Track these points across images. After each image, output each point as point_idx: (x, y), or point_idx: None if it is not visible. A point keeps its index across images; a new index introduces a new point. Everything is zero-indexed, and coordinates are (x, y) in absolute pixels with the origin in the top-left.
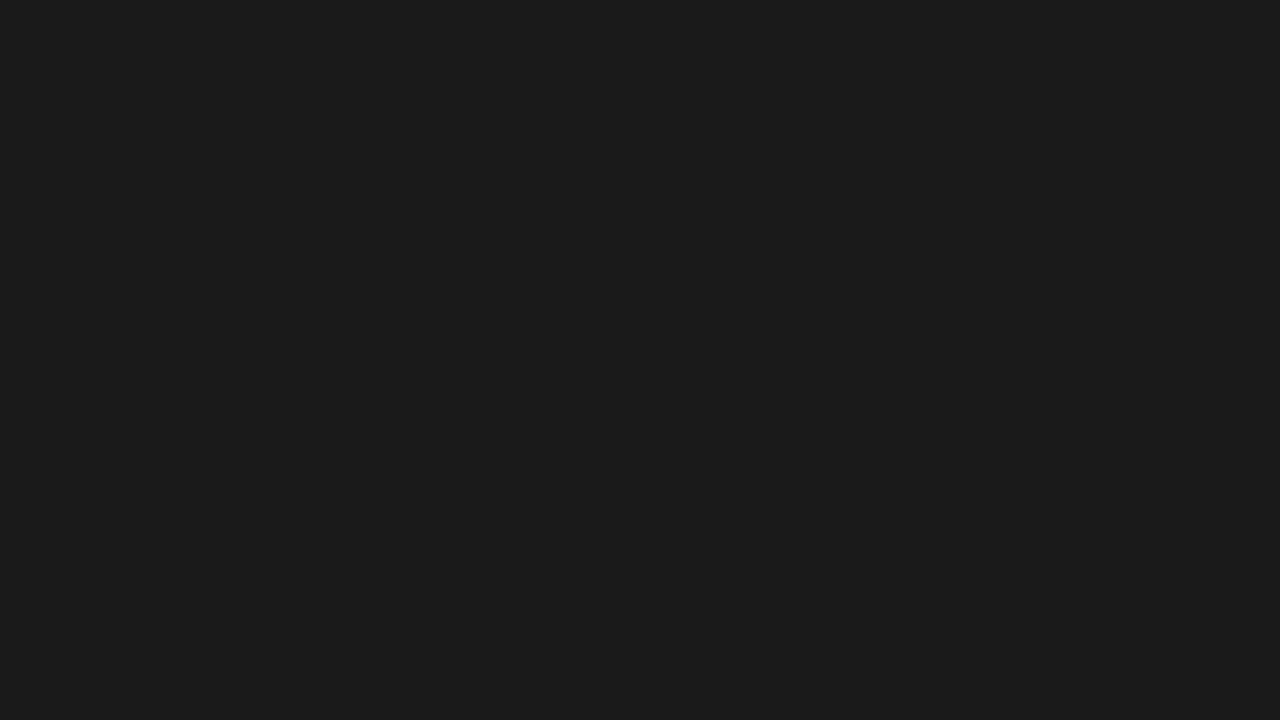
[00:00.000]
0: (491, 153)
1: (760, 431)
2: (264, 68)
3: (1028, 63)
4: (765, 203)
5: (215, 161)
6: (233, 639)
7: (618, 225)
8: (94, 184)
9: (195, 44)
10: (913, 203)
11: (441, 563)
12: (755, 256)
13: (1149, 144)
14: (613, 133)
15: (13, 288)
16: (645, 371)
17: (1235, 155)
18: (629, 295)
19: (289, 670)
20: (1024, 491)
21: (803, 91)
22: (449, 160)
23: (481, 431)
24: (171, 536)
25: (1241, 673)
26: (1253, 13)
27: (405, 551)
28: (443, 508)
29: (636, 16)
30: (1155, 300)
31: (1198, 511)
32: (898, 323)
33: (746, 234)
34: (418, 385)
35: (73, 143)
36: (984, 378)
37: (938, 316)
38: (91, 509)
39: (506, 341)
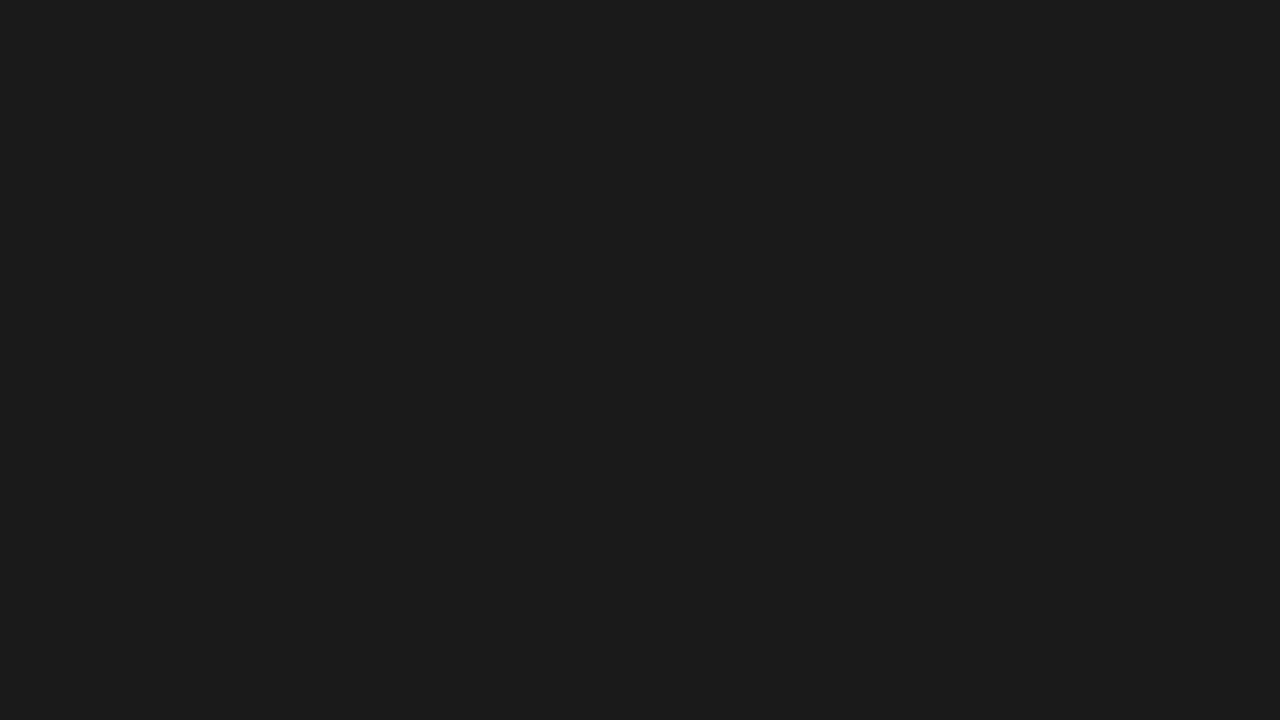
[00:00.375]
0: (492, 153)
1: (760, 431)
2: (264, 68)
3: (1028, 63)
4: (765, 203)
5: (215, 161)
6: (233, 639)
7: (618, 225)
8: (94, 184)
9: (195, 44)
10: (913, 203)
11: (441, 563)
12: (755, 256)
13: (1149, 144)
14: (613, 133)
15: (13, 288)
16: (645, 371)
17: (1235, 155)
18: (629, 295)
19: (289, 670)
20: (1024, 491)
21: (803, 92)
22: (449, 160)
23: (482, 432)
24: (172, 536)
25: (1241, 673)
26: (1253, 13)
27: (405, 552)
28: (443, 508)
29: (636, 16)
30: (1155, 300)
31: (1198, 511)
32: (898, 323)
33: (747, 234)
34: (418, 385)
35: (73, 143)
36: (984, 378)
37: (938, 316)
38: (92, 509)
39: (507, 342)
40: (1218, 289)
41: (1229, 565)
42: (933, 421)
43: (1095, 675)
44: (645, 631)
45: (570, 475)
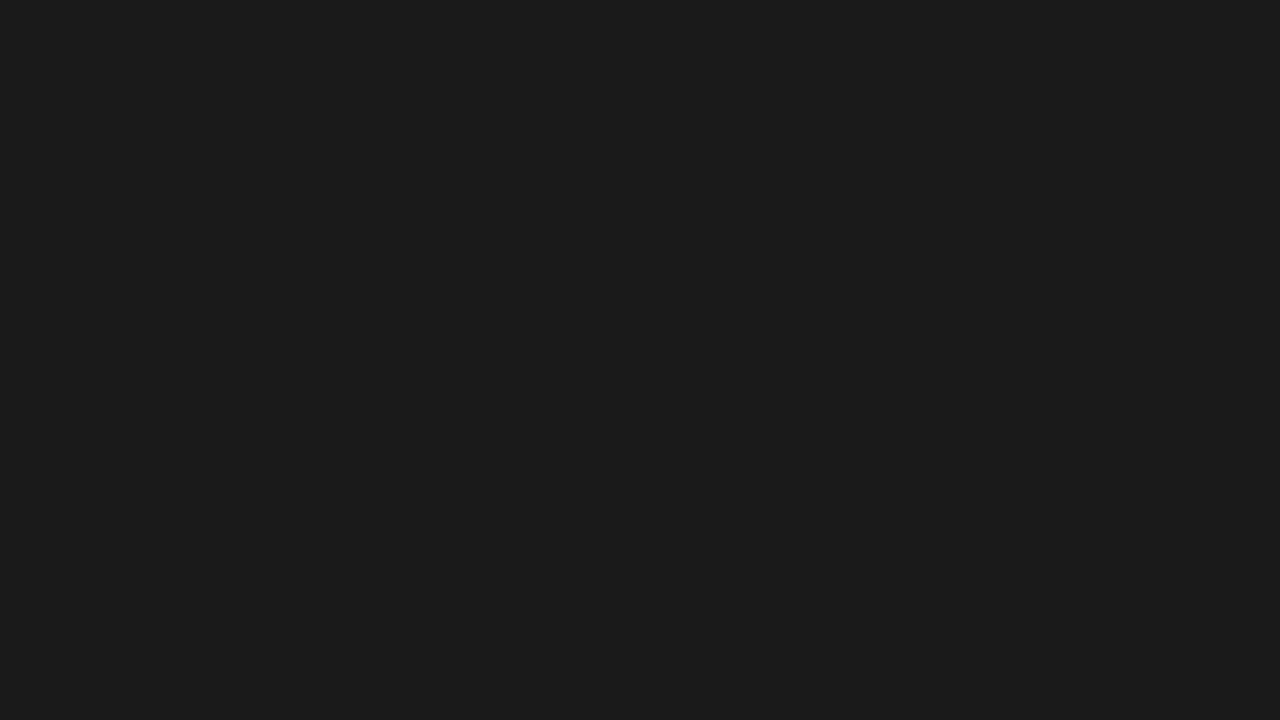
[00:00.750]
0: (492, 153)
1: (760, 432)
2: (264, 68)
3: (1028, 63)
4: (765, 203)
5: (215, 161)
6: (233, 639)
7: (618, 225)
8: (94, 184)
9: (195, 44)
10: (913, 203)
11: (441, 563)
12: (755, 256)
13: (1149, 144)
14: (613, 133)
15: (13, 288)
16: (645, 371)
17: (1235, 155)
18: (629, 295)
19: (289, 670)
20: (1024, 491)
21: (803, 91)
22: (449, 160)
23: (482, 432)
24: (172, 536)
25: (1241, 673)
26: (1253, 13)
27: (405, 552)
28: (443, 508)
29: (636, 16)
30: (1155, 300)
31: (1198, 511)
32: (898, 323)
33: (747, 234)
34: (418, 385)
35: (73, 143)
36: (984, 378)
37: (938, 316)
38: (92, 509)
39: (507, 341)
40: (1218, 289)
41: (1229, 565)
42: (933, 422)
43: (1095, 675)
44: (645, 631)
45: (570, 475)
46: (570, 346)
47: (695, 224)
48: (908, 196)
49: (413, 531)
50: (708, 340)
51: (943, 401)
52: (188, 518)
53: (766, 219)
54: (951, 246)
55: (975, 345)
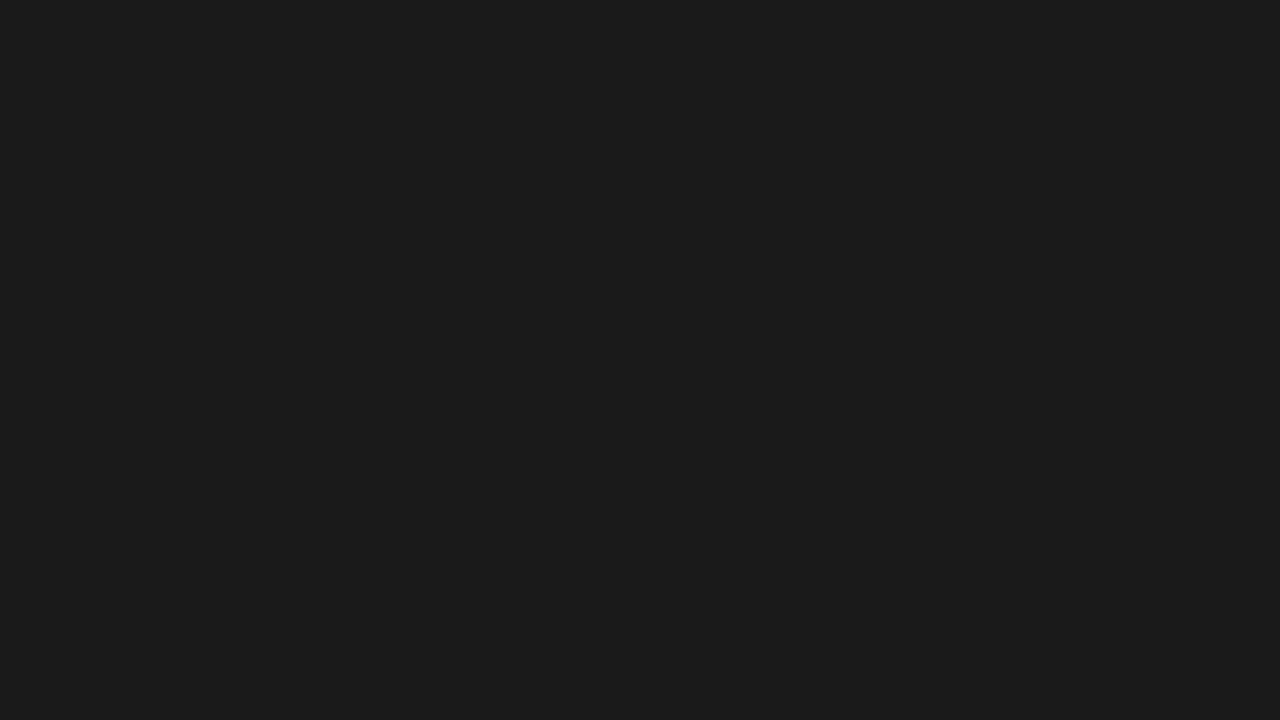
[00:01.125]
0: (492, 153)
1: (760, 432)
2: (264, 68)
3: (1028, 63)
4: (765, 203)
5: (215, 161)
6: (233, 639)
7: (618, 225)
8: (94, 184)
9: (195, 44)
10: (913, 203)
11: (441, 563)
12: (755, 256)
13: (1149, 144)
14: (613, 133)
15: (13, 288)
16: (646, 372)
17: (1235, 155)
18: (629, 295)
19: (289, 670)
20: (1024, 492)
21: (803, 92)
22: (449, 160)
23: (482, 432)
24: (172, 537)
25: (1241, 673)
26: (1252, 13)
27: (405, 552)
28: (443, 508)
29: (636, 17)
30: (1155, 300)
31: (1198, 512)
32: (898, 323)
33: (747, 234)
34: (418, 385)
35: (73, 143)
36: (984, 378)
37: (938, 317)
38: (92, 509)
39: (507, 342)
40: (1218, 289)
41: (1229, 565)
42: (933, 422)
43: (1095, 675)
44: (645, 631)
45: (570, 475)
46: (570, 347)
47: (695, 224)
48: (908, 197)
49: (413, 532)
50: (708, 340)
51: (942, 401)
52: (188, 518)
53: (766, 219)
54: (951, 247)
55: (976, 345)
